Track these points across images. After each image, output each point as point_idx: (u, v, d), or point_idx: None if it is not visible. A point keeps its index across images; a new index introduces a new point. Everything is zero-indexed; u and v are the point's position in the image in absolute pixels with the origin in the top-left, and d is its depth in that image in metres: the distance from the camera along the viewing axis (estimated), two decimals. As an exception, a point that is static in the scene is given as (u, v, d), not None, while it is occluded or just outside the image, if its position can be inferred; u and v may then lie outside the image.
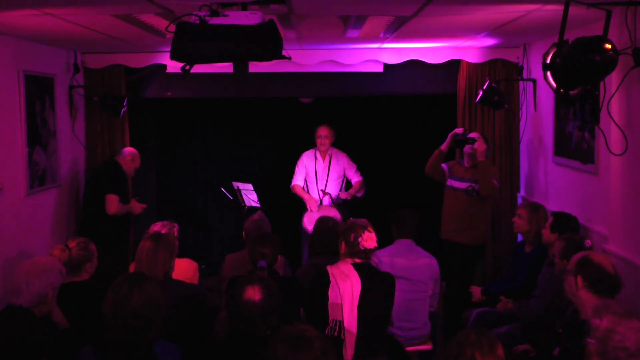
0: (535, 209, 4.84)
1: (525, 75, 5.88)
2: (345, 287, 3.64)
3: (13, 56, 4.89)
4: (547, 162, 5.49)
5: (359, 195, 6.54)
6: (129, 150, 5.82)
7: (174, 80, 6.34)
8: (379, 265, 4.30)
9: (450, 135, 5.57)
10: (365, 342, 3.64)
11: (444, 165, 5.65)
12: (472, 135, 5.53)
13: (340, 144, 6.67)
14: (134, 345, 2.74)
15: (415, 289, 4.35)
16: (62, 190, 5.73)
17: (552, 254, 4.09)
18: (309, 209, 6.34)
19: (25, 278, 3.17)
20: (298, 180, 6.61)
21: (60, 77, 5.75)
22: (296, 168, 6.63)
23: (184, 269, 4.23)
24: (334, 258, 3.93)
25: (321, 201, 6.42)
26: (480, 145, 5.35)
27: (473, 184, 5.37)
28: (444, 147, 5.58)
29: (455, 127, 6.27)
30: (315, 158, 6.59)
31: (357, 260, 3.75)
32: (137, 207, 5.77)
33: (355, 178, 6.59)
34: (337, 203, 6.43)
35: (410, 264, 4.36)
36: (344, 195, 6.46)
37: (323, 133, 6.49)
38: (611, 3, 3.31)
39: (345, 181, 6.63)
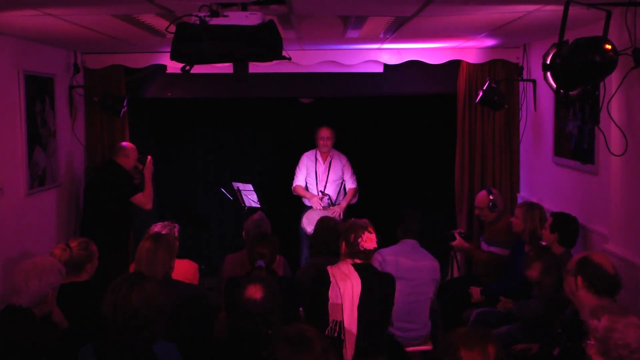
0: (531, 208, 4.83)
1: (525, 76, 5.88)
2: (346, 288, 3.63)
3: (13, 56, 4.89)
4: (547, 162, 5.48)
5: (353, 201, 6.51)
6: (121, 146, 5.75)
7: (174, 81, 6.34)
8: (384, 264, 4.31)
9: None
10: (365, 342, 3.64)
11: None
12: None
13: (340, 144, 6.66)
14: (134, 345, 2.74)
15: (417, 291, 4.34)
16: (62, 190, 5.73)
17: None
18: (314, 207, 6.33)
19: (24, 278, 3.17)
20: (299, 181, 6.59)
21: (60, 77, 5.75)
22: (297, 169, 6.62)
23: (184, 270, 4.22)
24: (335, 258, 3.93)
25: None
26: (458, 245, 5.32)
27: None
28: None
29: (455, 127, 6.30)
30: (316, 159, 6.57)
31: (358, 261, 3.75)
32: (148, 168, 5.73)
33: (350, 184, 6.53)
34: (335, 205, 6.43)
35: (415, 264, 4.38)
36: (339, 207, 6.38)
37: (325, 134, 6.46)
38: (611, 3, 3.31)
39: (343, 183, 6.61)
